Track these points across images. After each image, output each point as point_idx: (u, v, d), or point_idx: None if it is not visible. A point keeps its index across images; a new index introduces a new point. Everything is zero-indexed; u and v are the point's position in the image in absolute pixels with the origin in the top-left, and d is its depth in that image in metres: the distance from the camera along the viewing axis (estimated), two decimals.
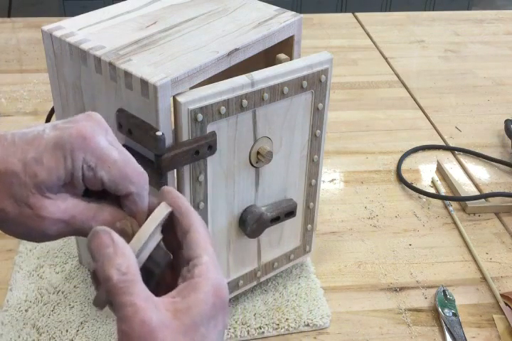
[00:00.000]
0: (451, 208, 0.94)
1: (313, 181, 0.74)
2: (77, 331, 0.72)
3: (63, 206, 0.43)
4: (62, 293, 0.77)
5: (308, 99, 0.67)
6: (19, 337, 0.71)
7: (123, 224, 0.44)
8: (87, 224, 0.43)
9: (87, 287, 0.78)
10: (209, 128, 0.60)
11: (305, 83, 0.65)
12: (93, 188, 0.44)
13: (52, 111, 0.98)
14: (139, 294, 0.39)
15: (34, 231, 0.42)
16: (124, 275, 0.39)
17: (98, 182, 0.44)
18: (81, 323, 0.73)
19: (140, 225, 0.44)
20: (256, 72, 0.62)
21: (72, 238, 0.82)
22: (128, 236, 0.44)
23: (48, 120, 0.99)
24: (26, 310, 0.75)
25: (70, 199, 0.43)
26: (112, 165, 0.43)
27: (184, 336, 0.39)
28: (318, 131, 0.71)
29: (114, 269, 0.39)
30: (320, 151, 0.72)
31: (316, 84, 0.66)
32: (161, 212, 0.44)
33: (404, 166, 1.04)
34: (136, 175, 0.45)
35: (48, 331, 0.72)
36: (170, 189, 0.46)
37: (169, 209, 0.45)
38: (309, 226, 0.77)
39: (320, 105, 0.69)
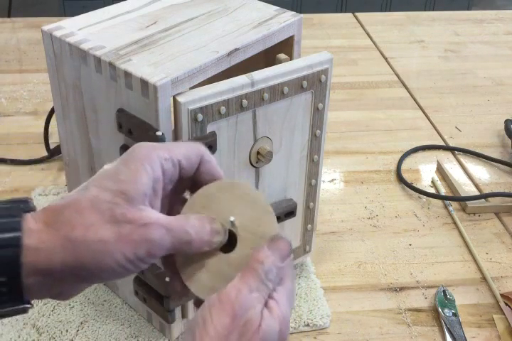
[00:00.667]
0: (451, 208, 0.94)
1: (313, 181, 0.74)
2: (77, 331, 0.72)
3: (157, 214, 0.42)
4: None
5: (308, 99, 0.67)
6: (19, 337, 0.71)
7: (214, 223, 0.44)
8: (184, 230, 0.42)
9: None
10: (209, 128, 0.59)
11: (305, 83, 0.65)
12: (172, 179, 0.45)
13: (52, 111, 0.98)
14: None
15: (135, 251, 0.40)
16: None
17: (176, 167, 0.44)
18: (81, 323, 0.73)
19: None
20: (256, 72, 0.62)
21: None
22: (221, 235, 0.44)
23: (47, 120, 0.99)
24: None
25: (156, 211, 0.43)
26: (176, 146, 0.45)
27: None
28: (318, 131, 0.71)
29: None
30: (320, 151, 0.72)
31: (316, 84, 0.66)
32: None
33: (404, 166, 1.04)
34: (196, 145, 0.46)
35: (47, 331, 0.72)
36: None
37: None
38: (309, 226, 0.77)
39: (320, 105, 0.69)
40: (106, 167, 0.43)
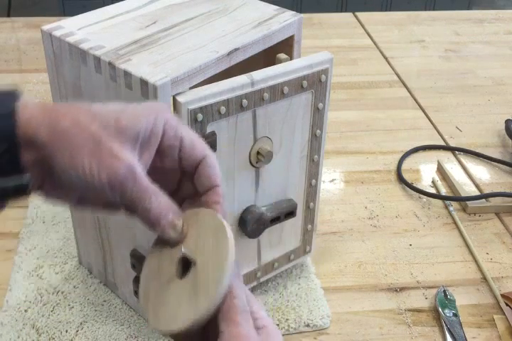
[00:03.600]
0: (451, 208, 0.94)
1: (314, 181, 0.74)
2: (77, 331, 0.72)
3: (137, 162, 0.41)
4: (62, 293, 0.77)
5: (309, 98, 0.67)
6: (19, 337, 0.71)
7: (179, 220, 0.43)
8: (149, 196, 0.41)
9: (87, 287, 0.78)
10: (209, 128, 0.59)
11: (305, 83, 0.65)
12: (168, 153, 0.43)
13: None
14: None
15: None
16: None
17: (177, 142, 0.43)
18: (81, 323, 0.73)
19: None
20: (256, 71, 0.62)
21: (72, 238, 0.82)
22: (177, 233, 0.43)
23: None
24: (26, 311, 0.74)
25: (139, 164, 0.41)
26: (189, 131, 0.44)
27: None
28: (319, 130, 0.70)
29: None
30: (320, 151, 0.72)
31: (316, 83, 0.66)
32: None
33: (404, 166, 1.03)
34: (204, 144, 0.45)
35: (47, 331, 0.72)
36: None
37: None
38: (309, 226, 0.77)
39: (320, 105, 0.68)
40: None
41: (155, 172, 0.44)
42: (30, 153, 0.39)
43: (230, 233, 0.43)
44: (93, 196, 0.42)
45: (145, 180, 0.41)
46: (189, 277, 0.43)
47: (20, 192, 0.40)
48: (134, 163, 0.40)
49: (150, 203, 0.41)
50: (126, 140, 0.40)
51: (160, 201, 0.42)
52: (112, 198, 0.41)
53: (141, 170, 0.41)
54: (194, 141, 0.44)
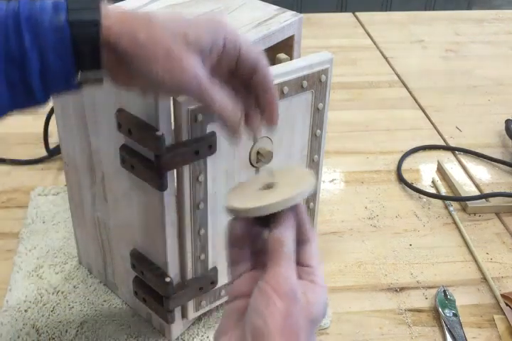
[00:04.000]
0: (451, 208, 0.94)
1: None
2: (77, 331, 0.72)
3: (199, 70, 0.47)
4: (62, 293, 0.77)
5: (309, 99, 0.67)
6: (19, 337, 0.71)
7: (237, 109, 0.50)
8: (213, 93, 0.48)
9: (87, 287, 0.78)
10: (209, 128, 0.59)
11: (305, 83, 0.65)
12: (226, 62, 0.50)
13: (52, 111, 0.98)
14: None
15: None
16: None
17: (236, 51, 0.49)
18: (81, 323, 0.73)
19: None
20: None
21: (72, 238, 0.82)
22: (238, 119, 0.50)
23: (47, 120, 0.99)
24: (26, 311, 0.74)
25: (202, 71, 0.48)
26: (247, 42, 0.50)
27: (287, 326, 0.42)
28: (319, 130, 0.70)
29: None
30: (320, 151, 0.72)
31: (316, 84, 0.66)
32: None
33: (404, 166, 1.03)
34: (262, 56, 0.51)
35: (47, 331, 0.72)
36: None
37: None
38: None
39: (320, 105, 0.68)
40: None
41: (214, 76, 0.50)
42: (109, 55, 0.46)
43: (311, 172, 0.51)
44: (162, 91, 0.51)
45: (208, 84, 0.48)
46: (270, 189, 0.49)
47: (98, 81, 0.48)
48: (198, 71, 0.47)
49: (213, 100, 0.48)
50: (192, 52, 0.47)
51: (221, 97, 0.49)
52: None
53: (205, 76, 0.48)
54: (250, 52, 0.50)
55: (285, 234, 0.46)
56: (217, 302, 0.72)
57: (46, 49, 0.44)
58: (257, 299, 0.43)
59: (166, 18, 0.47)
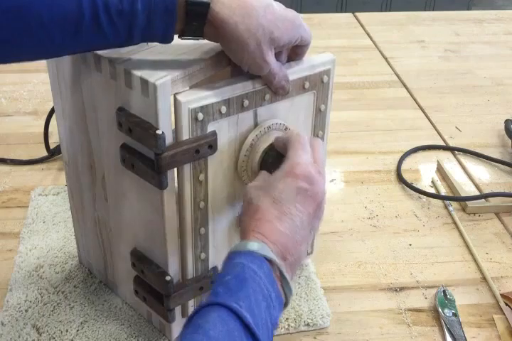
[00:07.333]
0: (451, 208, 0.94)
1: None
2: (77, 331, 0.72)
3: (274, 63, 0.60)
4: (62, 293, 0.77)
5: (311, 99, 0.67)
6: (19, 337, 0.71)
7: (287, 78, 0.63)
8: (277, 70, 0.61)
9: (87, 287, 0.78)
10: (210, 128, 0.59)
11: (307, 84, 0.65)
12: (291, 48, 0.64)
13: (52, 111, 0.98)
14: None
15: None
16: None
17: (303, 45, 0.63)
18: (81, 323, 0.73)
19: None
20: None
21: (72, 238, 0.82)
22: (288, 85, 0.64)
23: (47, 120, 0.99)
24: (26, 310, 0.74)
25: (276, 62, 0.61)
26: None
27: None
28: (321, 132, 0.70)
29: None
30: None
31: (318, 85, 0.66)
32: None
33: (404, 166, 1.04)
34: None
35: (47, 331, 0.72)
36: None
37: None
38: None
39: (322, 106, 0.68)
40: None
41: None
42: (210, 30, 0.57)
43: None
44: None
45: (276, 69, 0.61)
46: None
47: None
48: (273, 62, 0.59)
49: (274, 77, 0.61)
50: (272, 47, 0.58)
51: (278, 71, 0.61)
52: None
53: (275, 65, 0.60)
54: (308, 43, 0.64)
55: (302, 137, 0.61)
56: None
57: (155, 16, 0.53)
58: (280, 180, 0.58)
59: (262, 11, 0.57)
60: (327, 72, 0.66)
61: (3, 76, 1.28)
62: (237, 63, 0.60)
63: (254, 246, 0.53)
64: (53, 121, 0.82)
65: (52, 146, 1.01)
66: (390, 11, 2.82)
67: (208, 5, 0.55)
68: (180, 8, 0.54)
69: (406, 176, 1.00)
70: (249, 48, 0.57)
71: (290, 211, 0.56)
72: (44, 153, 1.01)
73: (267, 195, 0.57)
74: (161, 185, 0.59)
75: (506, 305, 0.77)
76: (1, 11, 0.51)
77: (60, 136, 0.73)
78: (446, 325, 0.74)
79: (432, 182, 1.00)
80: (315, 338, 0.73)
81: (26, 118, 1.14)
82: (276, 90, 0.63)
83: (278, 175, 0.58)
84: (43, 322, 0.73)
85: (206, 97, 0.58)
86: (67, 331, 0.72)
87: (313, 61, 0.65)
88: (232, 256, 0.54)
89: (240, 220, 0.59)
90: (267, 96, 0.62)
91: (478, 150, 1.08)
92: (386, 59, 1.41)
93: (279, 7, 0.59)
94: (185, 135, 0.58)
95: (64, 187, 0.93)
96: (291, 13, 0.60)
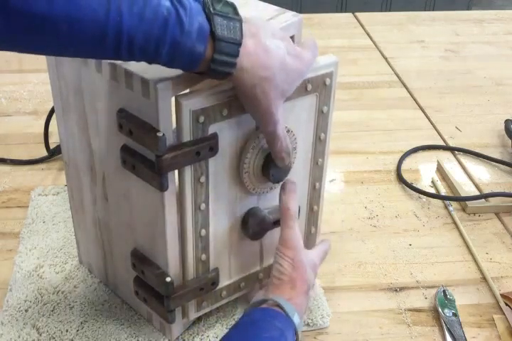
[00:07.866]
0: (451, 208, 0.94)
1: (317, 184, 0.74)
2: (77, 331, 0.72)
3: (280, 118, 0.60)
4: (62, 293, 0.77)
5: (313, 102, 0.67)
6: (19, 337, 0.71)
7: (289, 152, 0.64)
8: (280, 131, 0.61)
9: (87, 287, 0.78)
10: (211, 130, 0.59)
11: (309, 86, 0.65)
12: None
13: (52, 111, 0.98)
14: None
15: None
16: None
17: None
18: (81, 323, 0.73)
19: None
20: None
21: (72, 238, 0.82)
22: (288, 158, 0.64)
23: (47, 120, 0.99)
24: (26, 310, 0.75)
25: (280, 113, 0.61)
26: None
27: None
28: (323, 134, 0.70)
29: None
30: (324, 155, 0.72)
31: (320, 87, 0.66)
32: None
33: (404, 166, 1.04)
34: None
35: (48, 331, 0.72)
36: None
37: None
38: (313, 229, 0.77)
39: (325, 108, 0.68)
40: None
41: None
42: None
43: None
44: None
45: (281, 129, 0.61)
46: None
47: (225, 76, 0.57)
48: (279, 119, 0.60)
49: (279, 141, 0.61)
50: (282, 99, 0.59)
51: (286, 142, 0.62)
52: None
53: (282, 125, 0.61)
54: None
55: (291, 204, 0.66)
56: (219, 304, 0.72)
57: (177, 63, 0.54)
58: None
59: (278, 72, 0.57)
60: (330, 75, 0.66)
61: (3, 76, 1.28)
62: (248, 112, 0.61)
63: (297, 319, 0.61)
64: (53, 121, 0.82)
65: (52, 146, 1.01)
66: (390, 11, 2.82)
67: (233, 66, 0.55)
68: (205, 62, 0.54)
69: (406, 176, 1.00)
70: (261, 106, 0.58)
71: None
72: (44, 153, 1.01)
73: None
74: (162, 186, 0.59)
75: (506, 305, 0.77)
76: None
77: (60, 136, 0.73)
78: (446, 325, 0.74)
79: (432, 182, 1.00)
80: (315, 338, 0.73)
81: (26, 118, 1.14)
82: (275, 158, 0.63)
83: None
84: (43, 322, 0.73)
85: (207, 99, 0.58)
86: (67, 331, 0.72)
87: (315, 63, 0.65)
88: (275, 314, 0.61)
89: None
90: None
91: (478, 150, 1.08)
92: (386, 59, 1.41)
93: (290, 52, 0.59)
94: (186, 137, 0.58)
95: (64, 187, 0.93)
96: (300, 64, 0.60)
